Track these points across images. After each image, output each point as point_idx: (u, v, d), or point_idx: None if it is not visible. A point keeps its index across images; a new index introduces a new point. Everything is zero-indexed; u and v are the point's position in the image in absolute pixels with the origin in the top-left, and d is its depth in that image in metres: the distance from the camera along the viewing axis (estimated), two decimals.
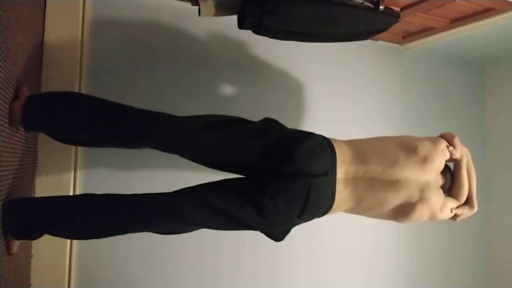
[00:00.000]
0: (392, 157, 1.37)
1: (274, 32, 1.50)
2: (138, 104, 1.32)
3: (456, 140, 1.48)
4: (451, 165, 1.53)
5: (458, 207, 1.51)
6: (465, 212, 1.52)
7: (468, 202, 1.52)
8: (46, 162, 1.62)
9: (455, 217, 1.51)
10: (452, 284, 2.51)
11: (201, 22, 1.77)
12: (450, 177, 1.51)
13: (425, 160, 1.38)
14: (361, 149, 1.39)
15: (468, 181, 1.51)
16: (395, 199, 1.37)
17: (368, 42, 2.21)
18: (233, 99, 1.99)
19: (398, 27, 1.95)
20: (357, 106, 2.27)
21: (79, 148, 1.68)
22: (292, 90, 2.12)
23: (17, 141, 1.22)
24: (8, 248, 1.16)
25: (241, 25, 1.42)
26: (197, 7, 1.46)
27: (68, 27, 1.67)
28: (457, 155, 1.46)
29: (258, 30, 1.47)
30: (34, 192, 1.58)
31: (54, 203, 1.24)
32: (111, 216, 1.23)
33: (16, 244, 1.19)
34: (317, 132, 1.41)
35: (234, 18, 1.45)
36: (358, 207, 1.39)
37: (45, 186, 1.60)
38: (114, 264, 1.75)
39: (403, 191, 1.36)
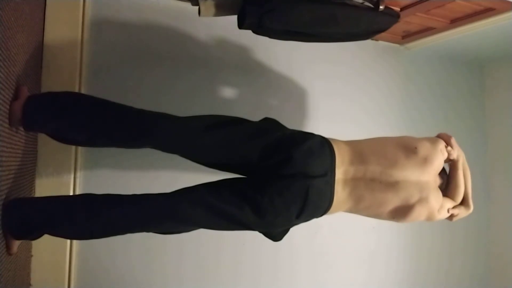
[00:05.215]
0: (392, 158, 1.38)
1: (274, 32, 1.50)
2: (138, 104, 1.32)
3: (453, 141, 1.48)
4: (446, 166, 1.53)
5: (454, 207, 1.51)
6: (461, 212, 1.52)
7: (464, 202, 1.53)
8: (46, 162, 1.62)
9: (451, 217, 1.52)
10: (452, 284, 2.51)
11: (201, 22, 1.76)
12: (446, 178, 1.52)
13: (425, 160, 1.39)
14: (361, 149, 1.39)
15: (464, 181, 1.51)
16: (394, 200, 1.37)
17: (368, 42, 2.21)
18: (233, 99, 1.99)
19: (398, 27, 1.95)
20: (357, 106, 2.27)
21: (79, 148, 1.68)
22: (292, 90, 2.12)
23: (17, 141, 1.22)
24: (8, 248, 1.16)
25: (241, 25, 1.42)
26: (197, 7, 1.46)
27: (68, 27, 1.67)
28: (454, 155, 1.47)
29: (258, 30, 1.48)
30: (34, 192, 1.58)
31: (54, 203, 1.24)
32: (111, 216, 1.23)
33: (16, 244, 1.19)
34: (317, 132, 1.41)
35: (234, 18, 1.45)
36: (357, 207, 1.39)
37: (45, 186, 1.60)
38: (114, 264, 1.75)
39: (403, 191, 1.36)
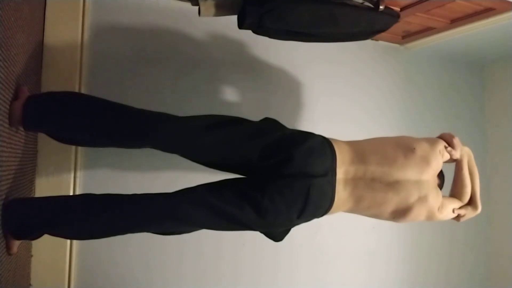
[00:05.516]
0: (392, 158, 1.38)
1: (274, 32, 1.50)
2: (138, 104, 1.32)
3: (456, 141, 1.48)
4: (446, 166, 1.52)
5: (461, 207, 1.50)
6: (469, 213, 1.51)
7: (471, 202, 1.52)
8: (46, 162, 1.62)
9: (458, 217, 1.51)
10: (452, 284, 2.51)
11: (201, 22, 1.76)
12: (443, 179, 1.52)
13: (423, 160, 1.39)
14: (361, 149, 1.39)
15: (471, 181, 1.51)
16: (394, 200, 1.37)
17: (368, 42, 2.21)
18: (233, 99, 1.99)
19: (398, 27, 1.95)
20: (357, 106, 2.27)
21: (79, 148, 1.68)
22: (292, 90, 2.12)
23: (17, 141, 1.22)
24: (8, 248, 1.16)
25: (241, 25, 1.42)
26: (197, 7, 1.46)
27: (68, 27, 1.67)
28: (456, 155, 1.47)
29: (258, 30, 1.48)
30: (34, 192, 1.58)
31: (54, 203, 1.24)
32: (111, 216, 1.23)
33: (16, 244, 1.19)
34: (317, 132, 1.41)
35: (234, 18, 1.45)
36: (357, 207, 1.39)
37: (45, 186, 1.60)
38: (114, 264, 1.75)
39: (403, 191, 1.37)
